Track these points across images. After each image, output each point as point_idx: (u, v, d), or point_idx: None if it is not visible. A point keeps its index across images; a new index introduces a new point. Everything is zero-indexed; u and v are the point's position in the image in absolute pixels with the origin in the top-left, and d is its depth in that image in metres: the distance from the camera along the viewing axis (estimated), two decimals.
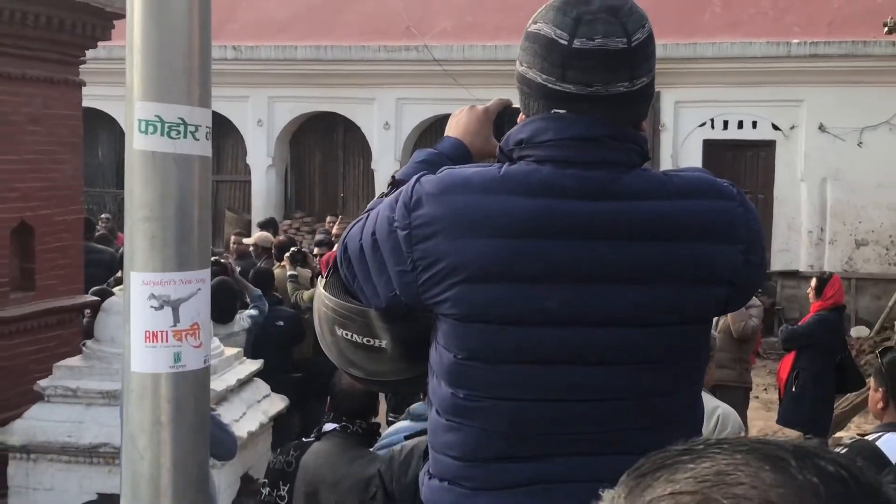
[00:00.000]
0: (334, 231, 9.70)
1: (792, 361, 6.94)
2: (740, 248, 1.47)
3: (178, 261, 1.74)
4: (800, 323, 7.73)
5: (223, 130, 13.70)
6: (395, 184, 1.61)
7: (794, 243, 12.88)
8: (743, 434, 4.22)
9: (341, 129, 14.13)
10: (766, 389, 9.00)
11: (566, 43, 1.41)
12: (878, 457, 2.90)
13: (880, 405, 3.33)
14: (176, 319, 1.73)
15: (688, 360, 1.54)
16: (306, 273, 7.51)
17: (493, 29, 12.82)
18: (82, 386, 4.95)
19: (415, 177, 1.48)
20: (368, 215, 1.55)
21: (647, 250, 1.43)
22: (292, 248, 7.97)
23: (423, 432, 1.83)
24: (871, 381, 3.60)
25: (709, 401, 3.02)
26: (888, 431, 3.07)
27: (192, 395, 1.82)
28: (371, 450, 3.24)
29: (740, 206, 1.49)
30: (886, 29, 9.04)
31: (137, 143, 1.71)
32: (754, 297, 7.68)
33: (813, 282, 7.21)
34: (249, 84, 13.42)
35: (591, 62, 1.41)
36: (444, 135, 1.75)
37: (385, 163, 13.45)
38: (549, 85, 1.44)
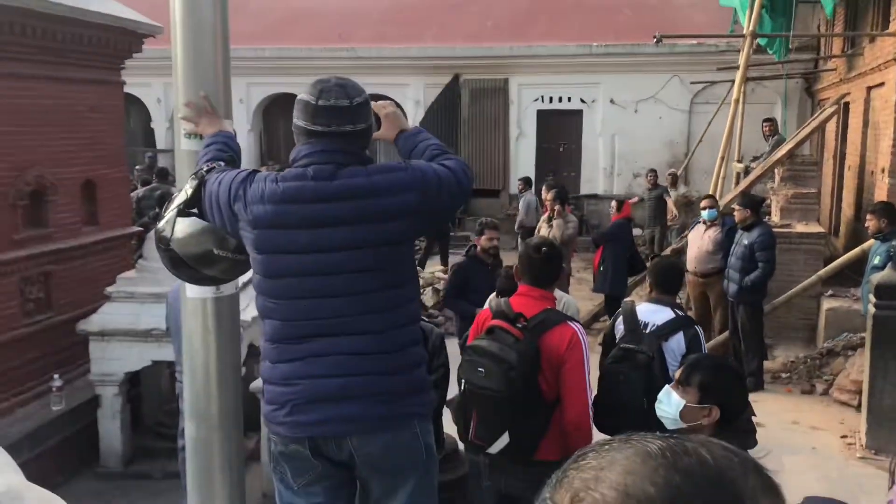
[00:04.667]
0: None
1: (600, 253, 8.58)
2: (414, 192, 2.19)
3: None
4: (604, 228, 9.84)
5: None
6: (209, 162, 2.30)
7: (594, 176, 16.50)
8: (578, 310, 4.83)
9: None
10: (578, 271, 11.22)
11: (314, 103, 2.20)
12: (633, 312, 3.65)
13: (648, 290, 4.18)
14: None
15: (392, 269, 2.20)
16: None
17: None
18: (138, 290, 5.52)
19: (244, 171, 2.22)
20: (218, 180, 2.22)
21: (356, 205, 2.14)
22: None
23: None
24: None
25: (557, 293, 3.81)
26: (647, 302, 3.87)
27: (227, 311, 2.24)
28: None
29: (406, 171, 2.22)
30: (655, 40, 11.01)
31: (184, 145, 2.28)
32: (570, 214, 8.98)
33: (613, 203, 8.96)
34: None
35: (327, 114, 2.19)
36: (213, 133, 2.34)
37: None
38: (307, 126, 2.21)
